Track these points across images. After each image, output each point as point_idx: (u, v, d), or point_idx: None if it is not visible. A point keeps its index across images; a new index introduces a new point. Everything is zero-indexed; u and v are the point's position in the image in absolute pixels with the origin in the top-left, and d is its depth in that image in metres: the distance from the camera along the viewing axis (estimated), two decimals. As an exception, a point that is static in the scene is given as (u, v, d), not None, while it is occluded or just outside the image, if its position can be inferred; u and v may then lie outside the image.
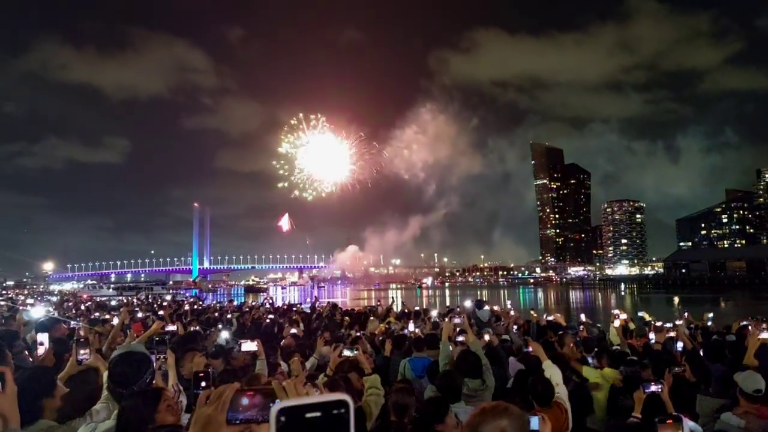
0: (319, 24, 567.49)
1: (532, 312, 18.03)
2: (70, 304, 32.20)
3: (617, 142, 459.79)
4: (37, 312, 13.53)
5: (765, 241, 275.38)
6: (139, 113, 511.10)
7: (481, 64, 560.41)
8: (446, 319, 10.69)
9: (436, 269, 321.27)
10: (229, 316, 18.51)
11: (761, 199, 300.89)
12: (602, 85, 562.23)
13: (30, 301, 27.24)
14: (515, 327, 14.55)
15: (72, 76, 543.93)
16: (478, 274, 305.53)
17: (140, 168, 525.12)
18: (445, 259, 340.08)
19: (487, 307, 16.70)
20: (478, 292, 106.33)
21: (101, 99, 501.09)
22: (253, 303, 32.37)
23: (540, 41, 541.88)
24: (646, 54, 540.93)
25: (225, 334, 11.17)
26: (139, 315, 14.51)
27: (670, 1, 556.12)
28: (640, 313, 15.62)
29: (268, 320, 16.65)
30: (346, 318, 16.70)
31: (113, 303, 35.35)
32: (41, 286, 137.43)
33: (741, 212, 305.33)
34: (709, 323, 14.98)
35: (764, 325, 12.45)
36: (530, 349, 7.48)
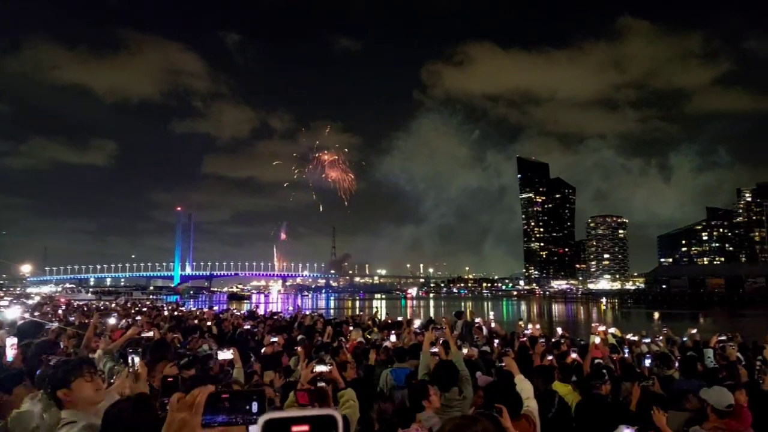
0: (315, 32, 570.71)
1: (519, 323, 18.18)
2: (48, 308, 31.73)
3: (605, 159, 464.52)
4: (13, 313, 13.33)
5: (743, 258, 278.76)
6: (129, 116, 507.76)
7: (474, 78, 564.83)
8: (429, 329, 10.69)
9: (422, 279, 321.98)
10: (209, 323, 18.36)
11: (741, 218, 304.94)
12: (593, 102, 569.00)
13: (4, 303, 26.84)
14: (496, 341, 14.56)
15: (63, 77, 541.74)
16: (462, 285, 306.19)
17: (127, 171, 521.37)
18: (431, 270, 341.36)
19: (461, 320, 16.78)
20: (462, 304, 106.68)
21: (92, 100, 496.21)
22: (235, 310, 32.14)
23: (532, 57, 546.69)
24: (637, 72, 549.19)
25: (206, 346, 11.13)
26: (112, 321, 14.27)
27: (662, 21, 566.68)
28: (611, 330, 15.70)
29: (245, 327, 16.56)
30: (329, 327, 16.59)
31: (95, 306, 34.98)
32: (18, 289, 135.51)
33: (721, 230, 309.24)
34: (684, 339, 15.13)
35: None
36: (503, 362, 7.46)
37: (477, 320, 17.69)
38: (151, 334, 9.66)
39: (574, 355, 9.99)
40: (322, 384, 5.62)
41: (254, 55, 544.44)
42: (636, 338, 14.04)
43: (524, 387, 5.64)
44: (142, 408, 3.17)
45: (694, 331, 16.10)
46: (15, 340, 6.71)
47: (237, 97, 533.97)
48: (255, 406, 1.67)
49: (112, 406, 3.21)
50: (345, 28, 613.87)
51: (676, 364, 9.32)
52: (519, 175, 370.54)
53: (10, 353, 6.46)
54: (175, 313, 27.99)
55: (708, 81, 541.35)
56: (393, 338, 11.83)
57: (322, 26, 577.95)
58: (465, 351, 9.53)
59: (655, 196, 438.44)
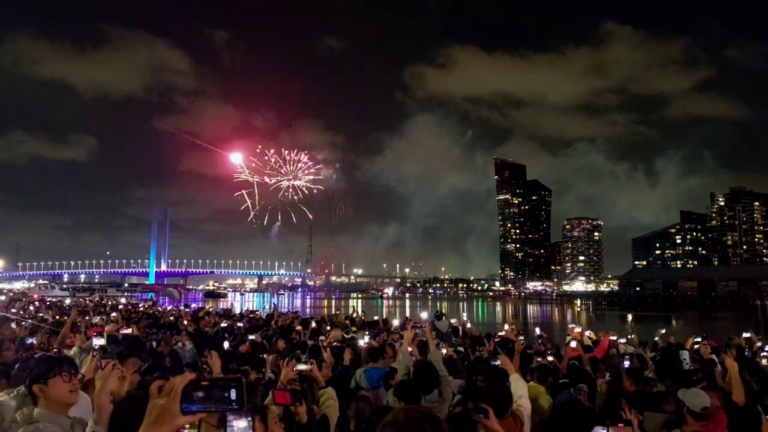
0: (300, 32, 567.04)
1: (506, 326, 18.38)
2: (21, 304, 31.15)
3: (587, 162, 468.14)
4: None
5: (716, 262, 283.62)
6: (110, 111, 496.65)
7: (456, 81, 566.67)
8: (408, 329, 10.70)
9: (398, 280, 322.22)
10: (185, 322, 18.18)
11: (714, 222, 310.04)
12: (574, 106, 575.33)
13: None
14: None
15: (44, 72, 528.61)
16: (438, 285, 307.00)
17: (105, 167, 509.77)
18: (407, 270, 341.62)
19: (445, 320, 16.81)
20: (438, 304, 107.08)
21: (73, 96, 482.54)
22: (211, 308, 31.84)
23: (515, 60, 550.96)
24: (618, 78, 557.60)
25: (189, 345, 11.07)
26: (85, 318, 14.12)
27: (644, 27, 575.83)
28: (587, 333, 15.88)
29: (222, 325, 16.47)
30: (300, 327, 16.45)
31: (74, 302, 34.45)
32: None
33: (694, 234, 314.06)
34: (656, 338, 15.36)
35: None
36: (498, 362, 7.47)
37: (452, 321, 17.78)
38: (129, 331, 9.56)
39: (550, 358, 10.08)
40: (295, 386, 5.58)
41: (239, 54, 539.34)
42: (614, 337, 14.18)
43: (518, 386, 5.66)
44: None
45: (663, 331, 16.35)
46: None
47: (220, 94, 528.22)
48: (233, 394, 1.76)
49: (120, 402, 3.15)
50: (329, 28, 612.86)
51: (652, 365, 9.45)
52: (496, 177, 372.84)
53: None
54: (150, 311, 27.69)
55: (687, 87, 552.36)
56: (367, 338, 11.79)
57: (306, 26, 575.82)
58: (444, 351, 9.57)
59: (634, 199, 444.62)
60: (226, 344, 12.02)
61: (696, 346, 11.65)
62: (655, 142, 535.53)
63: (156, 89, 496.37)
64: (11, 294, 61.89)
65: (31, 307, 26.10)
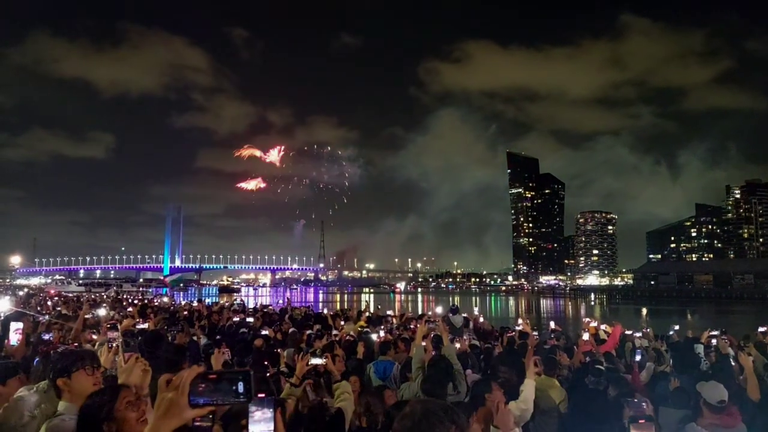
0: (317, 29, 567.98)
1: (520, 320, 18.27)
2: (38, 299, 31.47)
3: (606, 156, 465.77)
4: (2, 305, 13.26)
5: (732, 255, 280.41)
6: (129, 109, 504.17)
7: (472, 76, 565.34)
8: (421, 323, 10.71)
9: (410, 274, 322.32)
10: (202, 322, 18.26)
11: (729, 215, 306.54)
12: (591, 99, 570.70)
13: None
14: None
15: (65, 71, 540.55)
16: (450, 280, 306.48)
17: (123, 164, 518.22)
18: (419, 265, 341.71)
19: (460, 314, 16.78)
20: (451, 298, 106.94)
21: (92, 94, 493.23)
22: (226, 303, 32.01)
23: (531, 54, 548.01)
24: (637, 70, 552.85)
25: (203, 339, 11.16)
26: (102, 313, 14.22)
27: (663, 18, 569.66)
28: (602, 326, 15.81)
29: (235, 320, 16.52)
30: (317, 324, 16.46)
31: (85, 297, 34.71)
32: (7, 280, 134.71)
33: (709, 227, 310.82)
34: (671, 332, 15.26)
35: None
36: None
37: (464, 315, 17.74)
38: (146, 325, 9.64)
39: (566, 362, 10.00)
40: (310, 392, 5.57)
41: (257, 51, 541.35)
42: (629, 332, 14.10)
43: (527, 385, 5.66)
44: (111, 397, 3.11)
45: (677, 327, 16.24)
46: (21, 324, 6.69)
47: (237, 92, 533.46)
48: (241, 387, 1.78)
49: (90, 398, 3.18)
50: (345, 25, 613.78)
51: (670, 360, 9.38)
52: (509, 171, 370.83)
53: (15, 338, 6.46)
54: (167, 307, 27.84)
55: (707, 79, 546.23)
56: (381, 333, 11.81)
57: (323, 23, 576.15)
58: (458, 345, 9.56)
59: (655, 193, 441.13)
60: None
61: (713, 341, 11.53)
62: (676, 135, 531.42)
63: (174, 87, 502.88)
64: (28, 290, 62.59)
65: (49, 303, 26.38)
